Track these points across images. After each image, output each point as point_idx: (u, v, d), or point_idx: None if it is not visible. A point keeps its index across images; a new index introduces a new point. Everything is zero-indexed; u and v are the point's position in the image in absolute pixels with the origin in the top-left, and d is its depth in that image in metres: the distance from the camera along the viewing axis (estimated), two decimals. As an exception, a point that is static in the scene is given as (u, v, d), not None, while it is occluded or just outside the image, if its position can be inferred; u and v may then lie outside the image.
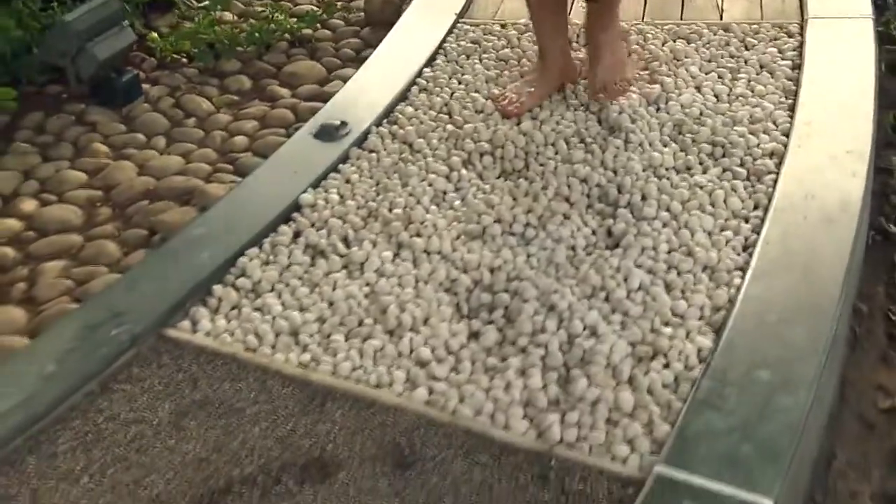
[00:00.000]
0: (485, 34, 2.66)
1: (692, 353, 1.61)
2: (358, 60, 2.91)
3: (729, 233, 1.87)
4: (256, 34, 2.99)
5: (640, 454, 1.47)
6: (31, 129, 2.67)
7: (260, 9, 3.19)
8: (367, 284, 1.86)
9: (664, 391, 1.55)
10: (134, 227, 2.27)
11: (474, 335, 1.74)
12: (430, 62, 2.57)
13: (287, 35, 3.06)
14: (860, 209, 1.85)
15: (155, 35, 3.00)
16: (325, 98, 2.58)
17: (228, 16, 3.14)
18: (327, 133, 2.28)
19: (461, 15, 2.76)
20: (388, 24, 2.99)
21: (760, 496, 1.35)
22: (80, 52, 2.67)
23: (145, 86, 2.81)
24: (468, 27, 2.73)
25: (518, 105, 2.31)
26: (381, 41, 2.76)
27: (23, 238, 2.26)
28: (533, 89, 2.34)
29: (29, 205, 2.38)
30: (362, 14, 3.21)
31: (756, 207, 1.93)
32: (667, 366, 1.60)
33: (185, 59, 3.02)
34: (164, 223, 2.21)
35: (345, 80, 2.67)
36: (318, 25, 3.08)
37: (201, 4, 3.19)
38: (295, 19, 3.07)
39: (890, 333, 1.82)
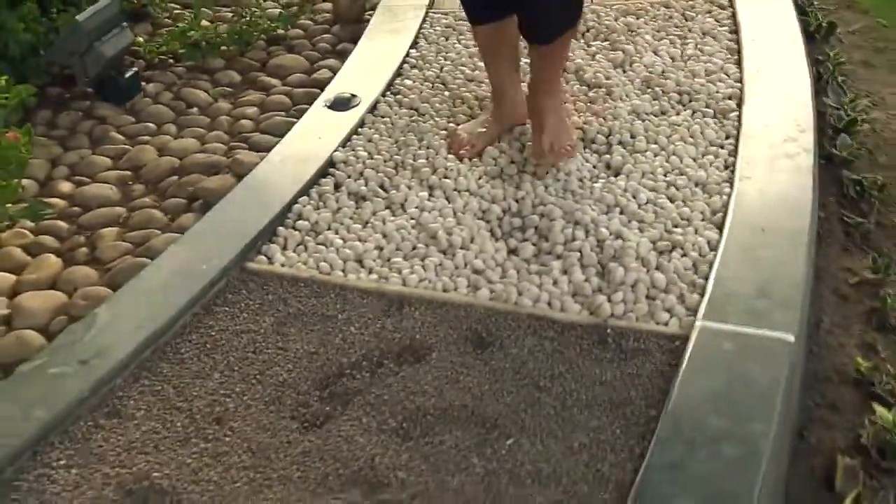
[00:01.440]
0: (456, 20, 3.02)
1: (703, 244, 1.99)
2: (336, 53, 3.22)
3: (710, 157, 2.27)
4: (236, 34, 3.28)
5: (679, 318, 1.83)
6: (44, 125, 2.88)
7: (230, 15, 3.47)
8: (412, 218, 2.18)
9: (687, 272, 1.93)
10: (171, 197, 2.52)
11: (513, 251, 2.08)
12: (415, 44, 2.91)
13: (263, 35, 3.35)
14: (813, 130, 2.27)
15: (140, 39, 3.25)
16: (316, 85, 2.89)
17: (205, 20, 3.42)
18: (341, 103, 2.60)
19: (430, 6, 3.11)
20: (356, 21, 3.32)
21: (784, 333, 1.72)
22: (88, 50, 2.90)
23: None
24: (440, 16, 3.08)
25: (469, 147, 2.35)
26: (352, 37, 3.09)
27: (69, 213, 2.48)
28: (484, 129, 2.38)
29: (65, 186, 2.60)
30: (328, 14, 3.52)
31: (728, 137, 2.33)
32: (684, 255, 1.98)
33: (171, 60, 3.28)
34: (205, 189, 2.47)
35: (330, 68, 2.98)
36: (289, 26, 3.39)
37: (176, 13, 3.44)
38: (269, 22, 3.37)
39: (846, 231, 2.24)
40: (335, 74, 2.82)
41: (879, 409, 1.68)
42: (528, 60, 2.41)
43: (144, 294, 1.93)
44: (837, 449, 1.68)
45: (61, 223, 2.42)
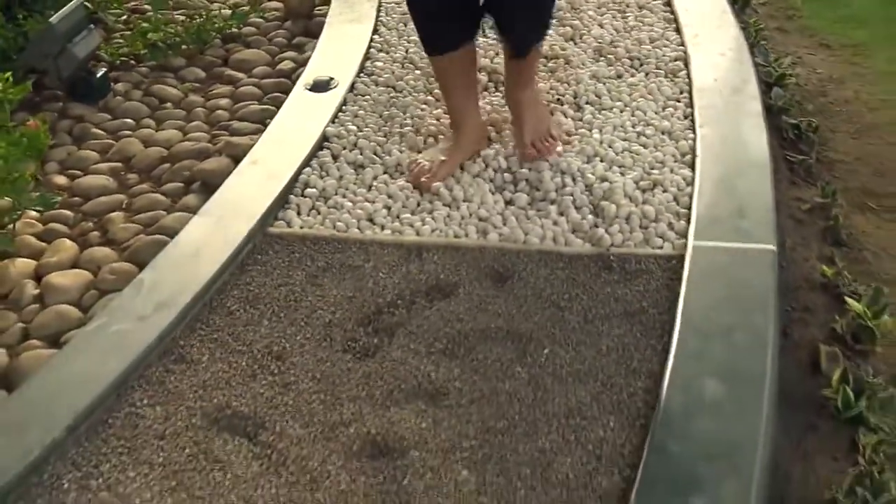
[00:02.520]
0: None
1: (680, 181, 2.28)
2: (293, 46, 3.42)
3: (670, 109, 2.56)
4: (194, 34, 3.45)
5: (671, 242, 2.11)
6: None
7: (182, 18, 3.64)
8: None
9: (671, 204, 2.21)
10: (167, 182, 2.69)
11: (510, 202, 2.33)
12: (376, 31, 3.14)
13: (218, 34, 3.54)
14: (756, 82, 2.60)
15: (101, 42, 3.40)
16: (282, 75, 3.09)
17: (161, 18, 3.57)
18: (321, 86, 2.81)
19: (381, -2, 3.34)
20: (307, 17, 3.53)
21: (766, 245, 2.02)
22: (61, 52, 3.04)
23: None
24: (393, 4, 3.31)
25: (429, 176, 2.32)
26: (305, 31, 3.30)
27: (71, 203, 2.62)
28: (446, 158, 2.36)
29: (60, 179, 2.72)
30: (277, 12, 3.72)
31: (682, 92, 2.63)
32: (665, 191, 2.26)
33: (132, 61, 3.43)
34: (203, 171, 2.65)
35: (293, 60, 3.18)
36: (242, 24, 3.58)
37: (126, 18, 3.58)
38: (223, 21, 3.55)
39: (790, 168, 2.57)
40: (299, 66, 3.02)
41: (850, 301, 1.98)
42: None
43: (179, 261, 2.11)
44: (817, 340, 1.97)
45: (66, 212, 2.55)
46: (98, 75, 3.11)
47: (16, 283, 2.25)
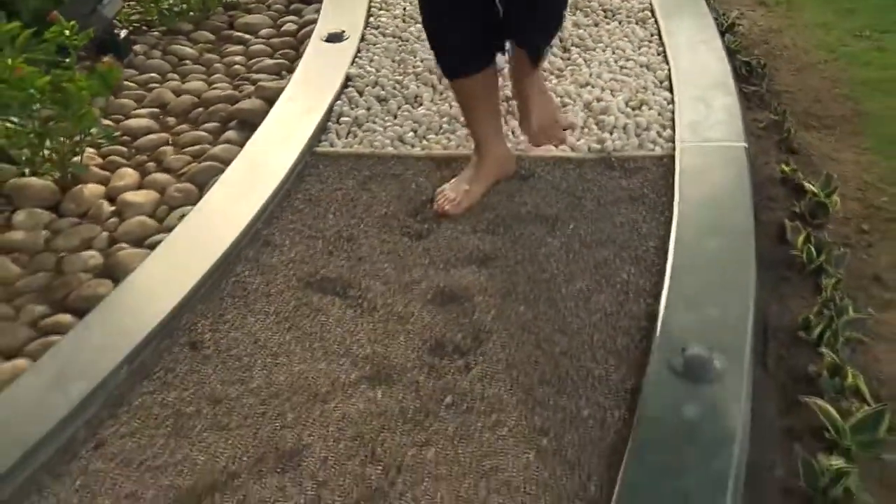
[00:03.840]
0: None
1: (662, 101, 2.76)
2: (292, 11, 3.82)
3: (645, 48, 3.05)
4: (201, 2, 3.85)
5: (661, 145, 2.59)
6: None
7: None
8: (435, 105, 2.86)
9: (658, 118, 2.69)
10: (204, 123, 3.10)
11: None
12: (374, -7, 3.57)
13: (220, 2, 3.94)
14: (714, 26, 3.11)
15: (112, 10, 3.77)
16: (288, 34, 3.50)
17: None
18: (335, 37, 3.24)
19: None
20: (302, -15, 3.94)
21: (739, 143, 2.52)
22: (92, 12, 3.43)
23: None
24: (384, -29, 3.75)
25: (454, 204, 2.35)
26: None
27: (123, 141, 3.01)
28: (468, 187, 2.39)
29: (105, 122, 3.12)
30: (272, -19, 4.12)
31: (653, 35, 3.13)
32: (651, 108, 2.74)
33: (144, 27, 3.82)
34: (240, 111, 3.06)
35: (294, 22, 3.59)
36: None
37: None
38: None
39: (745, 97, 3.08)
40: (300, 27, 3.44)
41: (807, 185, 2.49)
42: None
43: (242, 176, 2.50)
44: (782, 219, 2.47)
45: (121, 147, 2.93)
46: (122, 36, 3.47)
47: (92, 203, 2.62)
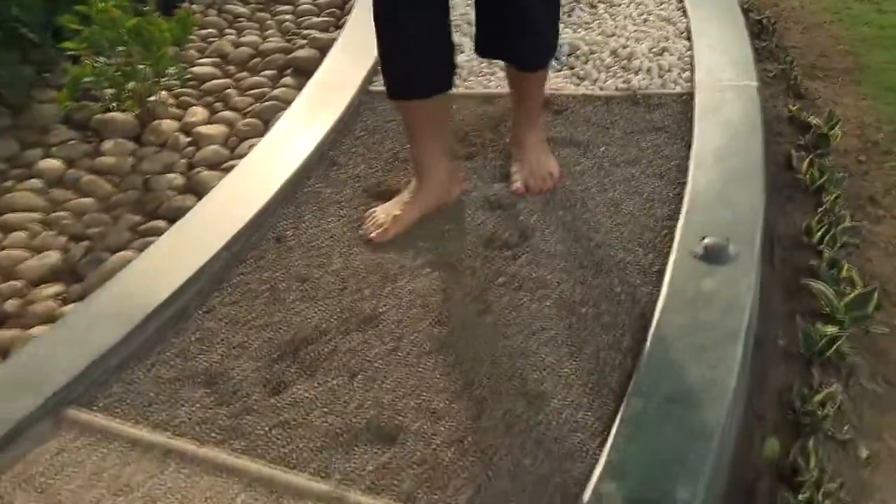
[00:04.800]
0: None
1: (681, 48, 3.10)
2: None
3: (665, 4, 3.40)
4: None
5: (681, 85, 2.94)
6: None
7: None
8: (469, 59, 3.20)
9: (678, 62, 3.03)
10: (262, 70, 3.45)
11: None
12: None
13: (266, -33, 4.27)
14: None
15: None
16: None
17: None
18: None
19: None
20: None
21: (752, 82, 2.86)
22: (157, -27, 3.76)
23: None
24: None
25: (380, 231, 2.24)
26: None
27: (189, 85, 3.37)
28: (400, 212, 2.25)
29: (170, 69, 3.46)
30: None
31: None
32: (671, 54, 3.09)
33: (196, -10, 4.16)
34: (296, 59, 3.41)
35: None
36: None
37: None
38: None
39: (756, 51, 3.42)
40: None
41: (812, 120, 2.84)
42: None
43: (305, 111, 2.84)
44: (789, 151, 2.82)
45: (190, 90, 3.28)
46: (180, -4, 3.81)
47: (169, 135, 2.97)
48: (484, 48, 2.28)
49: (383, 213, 2.27)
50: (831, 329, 2.00)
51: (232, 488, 1.59)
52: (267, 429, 1.72)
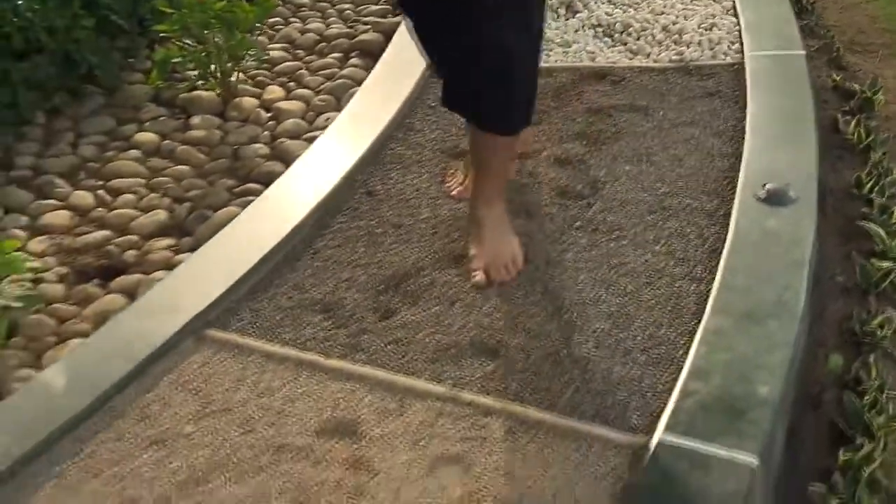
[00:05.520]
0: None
1: (729, 24, 3.31)
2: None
3: None
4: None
5: (731, 56, 3.16)
6: None
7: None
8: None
9: (726, 35, 3.24)
10: (329, 53, 3.69)
11: (604, 42, 3.38)
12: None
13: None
14: None
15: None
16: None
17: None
18: None
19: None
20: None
21: (798, 51, 3.08)
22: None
23: None
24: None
25: (462, 189, 2.43)
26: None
27: (263, 67, 3.62)
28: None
29: (246, 54, 3.70)
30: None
31: None
32: (720, 29, 3.31)
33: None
34: (361, 42, 3.61)
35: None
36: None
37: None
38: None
39: (801, 28, 3.65)
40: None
41: (857, 85, 3.05)
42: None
43: (378, 87, 3.07)
44: (835, 115, 3.03)
45: (265, 71, 3.53)
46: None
47: (251, 111, 3.21)
48: (445, 98, 2.07)
49: (462, 170, 2.42)
50: (887, 264, 2.20)
51: (359, 391, 1.81)
52: (382, 345, 1.94)
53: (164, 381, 1.85)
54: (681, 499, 1.52)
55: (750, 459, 1.57)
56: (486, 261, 2.08)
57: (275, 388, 1.80)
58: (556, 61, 3.15)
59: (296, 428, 1.72)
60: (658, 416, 1.70)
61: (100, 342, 1.93)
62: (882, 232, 2.30)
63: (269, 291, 2.11)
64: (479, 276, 2.07)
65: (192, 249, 2.39)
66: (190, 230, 2.52)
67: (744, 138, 2.57)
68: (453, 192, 2.45)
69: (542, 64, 2.99)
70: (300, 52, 3.63)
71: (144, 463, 1.66)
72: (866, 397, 1.85)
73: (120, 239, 2.49)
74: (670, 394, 1.75)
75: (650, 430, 1.68)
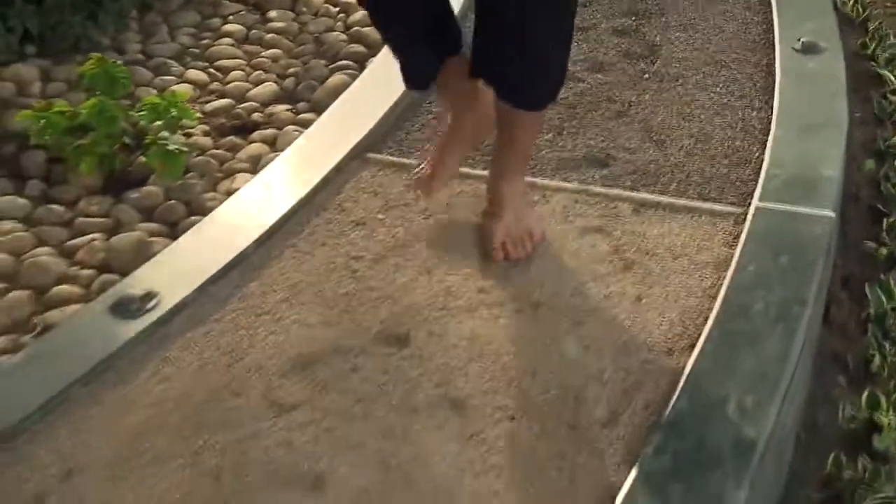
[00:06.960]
0: None
1: None
2: None
3: None
4: None
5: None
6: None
7: None
8: None
9: None
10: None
11: None
12: None
13: None
14: None
15: None
16: None
17: None
18: None
19: None
20: None
21: None
22: None
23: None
24: None
25: (426, 183, 2.19)
26: None
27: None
28: (440, 154, 2.16)
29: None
30: None
31: None
32: None
33: None
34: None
35: None
36: None
37: None
38: None
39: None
40: None
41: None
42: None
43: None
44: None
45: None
46: None
47: (320, 6, 3.66)
48: (475, 66, 1.98)
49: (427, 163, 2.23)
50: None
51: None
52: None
53: (347, 187, 2.34)
54: (782, 241, 2.07)
55: (829, 213, 2.12)
56: (501, 235, 2.01)
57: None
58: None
59: (463, 216, 2.23)
60: (750, 194, 2.24)
61: (287, 161, 2.41)
62: (892, 76, 2.86)
63: (409, 122, 2.61)
64: (497, 254, 2.02)
65: (313, 111, 2.85)
66: (303, 97, 2.98)
67: (771, 10, 3.11)
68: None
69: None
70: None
71: (357, 237, 2.16)
72: (897, 187, 2.42)
73: (242, 105, 2.95)
74: (756, 181, 2.29)
75: (746, 204, 2.22)
